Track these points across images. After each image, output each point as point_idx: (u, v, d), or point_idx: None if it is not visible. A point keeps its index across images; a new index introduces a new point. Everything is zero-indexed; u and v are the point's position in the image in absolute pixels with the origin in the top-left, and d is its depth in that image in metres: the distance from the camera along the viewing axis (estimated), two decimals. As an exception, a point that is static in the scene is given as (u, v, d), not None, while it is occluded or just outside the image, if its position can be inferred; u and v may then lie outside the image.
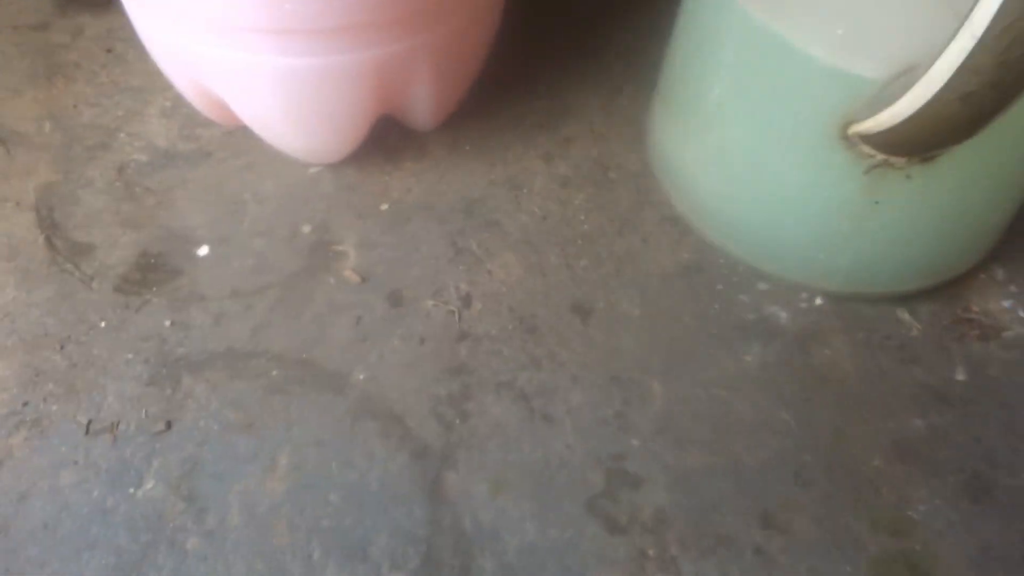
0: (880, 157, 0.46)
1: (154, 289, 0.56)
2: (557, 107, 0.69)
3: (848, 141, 0.46)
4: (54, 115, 0.66)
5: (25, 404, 0.51)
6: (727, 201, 0.56)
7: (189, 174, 0.63)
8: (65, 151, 0.64)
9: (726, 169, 0.54)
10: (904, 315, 0.57)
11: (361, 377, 0.53)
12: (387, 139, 0.65)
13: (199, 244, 0.59)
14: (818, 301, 0.57)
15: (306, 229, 0.60)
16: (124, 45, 0.71)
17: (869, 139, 0.45)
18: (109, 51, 0.71)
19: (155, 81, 0.68)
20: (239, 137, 0.64)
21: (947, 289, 0.57)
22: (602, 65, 0.72)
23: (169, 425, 0.50)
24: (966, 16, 0.35)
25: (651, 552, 0.46)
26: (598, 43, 0.74)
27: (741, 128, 0.51)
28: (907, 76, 0.42)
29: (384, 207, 0.61)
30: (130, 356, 0.53)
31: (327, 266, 0.58)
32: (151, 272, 0.57)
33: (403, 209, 0.61)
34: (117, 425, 0.50)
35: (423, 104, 0.59)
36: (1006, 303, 0.57)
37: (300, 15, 0.48)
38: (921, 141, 0.43)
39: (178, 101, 0.67)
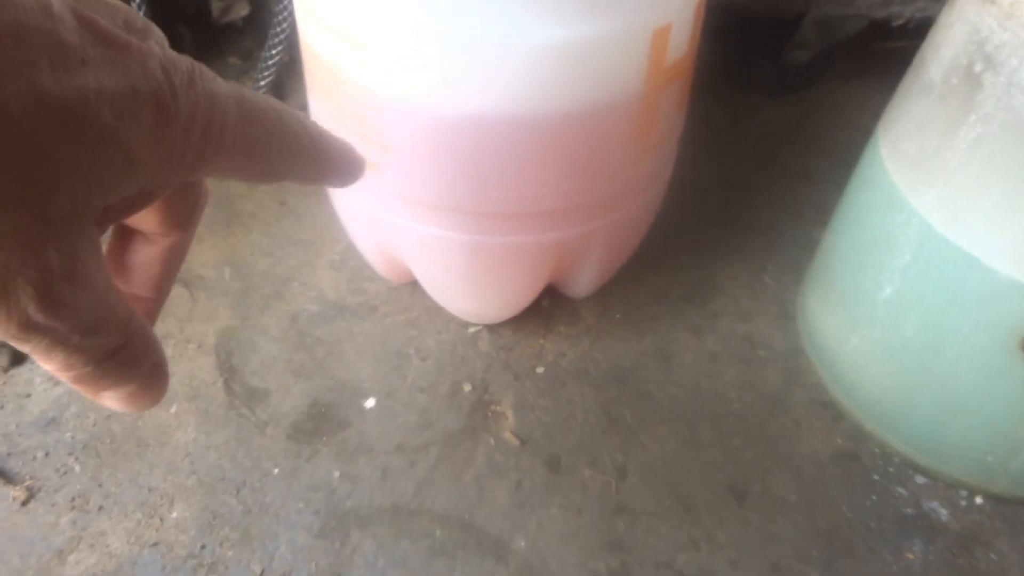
0: (1062, 371, 0.47)
1: (324, 439, 0.59)
2: (702, 281, 0.71)
3: (1029, 352, 0.47)
4: (232, 263, 0.71)
5: (203, 547, 0.53)
6: (890, 394, 0.56)
7: (356, 327, 0.66)
8: (243, 298, 0.68)
9: (892, 365, 0.55)
10: (1071, 522, 0.56)
11: (522, 544, 0.54)
12: (541, 303, 0.68)
13: (366, 396, 0.62)
14: (979, 500, 0.57)
15: (467, 388, 0.62)
16: (295, 199, 0.77)
17: (1054, 354, 0.46)
18: (282, 204, 0.76)
19: (324, 234, 0.73)
20: (403, 293, 0.68)
21: (1113, 497, 0.56)
22: (743, 242, 0.75)
23: (338, 580, 0.51)
24: None
25: None
26: (738, 220, 0.77)
27: (912, 329, 0.53)
28: (1097, 299, 0.43)
29: (540, 370, 0.64)
30: (301, 506, 0.55)
31: (486, 426, 0.60)
32: (321, 422, 0.60)
33: (558, 373, 0.64)
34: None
35: (586, 276, 0.63)
36: None
37: (502, 200, 0.52)
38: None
39: (346, 255, 0.72)
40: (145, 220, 0.28)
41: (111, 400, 0.25)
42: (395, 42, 0.46)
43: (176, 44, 0.28)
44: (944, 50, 0.48)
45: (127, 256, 0.29)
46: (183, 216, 0.28)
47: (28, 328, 0.20)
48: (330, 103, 0.53)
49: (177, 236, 0.29)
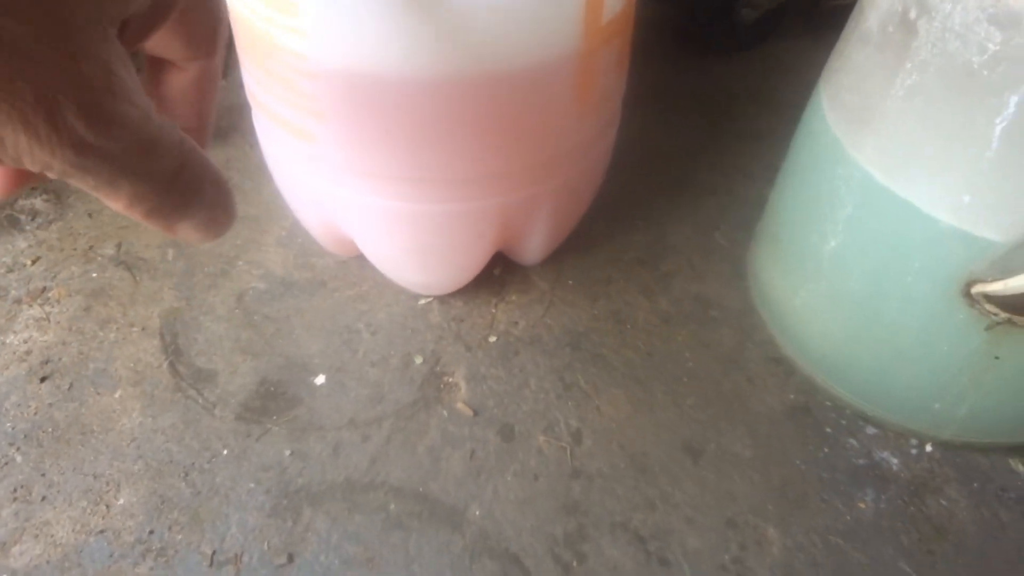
0: (1004, 316, 0.47)
1: (274, 417, 0.58)
2: (655, 243, 0.71)
3: (970, 299, 0.48)
4: (176, 243, 0.69)
5: (151, 532, 0.52)
6: (838, 347, 0.57)
7: (305, 303, 0.65)
8: (187, 278, 0.67)
9: (838, 317, 0.55)
10: (1019, 466, 0.56)
11: (477, 513, 0.53)
12: (493, 272, 0.67)
13: (316, 373, 0.61)
14: (928, 448, 0.57)
15: (418, 360, 0.62)
16: (241, 176, 0.75)
17: (994, 300, 0.46)
18: (229, 181, 0.75)
19: (272, 211, 0.72)
20: (352, 267, 0.67)
21: (1059, 438, 0.57)
22: (696, 203, 0.75)
23: (291, 558, 0.51)
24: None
25: None
26: (690, 181, 0.77)
27: (857, 280, 0.53)
28: (1035, 242, 0.44)
29: (492, 339, 0.63)
30: (252, 486, 0.54)
31: (439, 398, 0.59)
32: (271, 400, 0.59)
33: (510, 342, 0.63)
34: (240, 557, 0.51)
35: (535, 242, 0.62)
36: (1122, 455, 0.57)
37: (441, 165, 0.51)
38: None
39: (293, 231, 0.70)
40: (169, 46, 0.28)
41: (188, 231, 0.25)
42: (324, 5, 0.45)
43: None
44: (880, -2, 0.48)
45: (162, 88, 0.30)
46: (205, 37, 0.29)
47: (83, 150, 0.20)
48: (261, 70, 0.51)
49: (205, 61, 0.29)
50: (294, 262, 0.68)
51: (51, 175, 0.21)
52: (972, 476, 0.56)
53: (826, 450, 0.57)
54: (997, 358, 0.50)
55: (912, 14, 0.45)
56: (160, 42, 0.28)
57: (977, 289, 0.47)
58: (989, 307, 0.47)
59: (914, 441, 0.57)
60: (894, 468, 0.56)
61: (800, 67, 0.90)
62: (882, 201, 0.49)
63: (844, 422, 0.59)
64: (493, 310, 0.65)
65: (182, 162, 0.24)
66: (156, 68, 0.29)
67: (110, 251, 0.69)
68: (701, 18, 0.90)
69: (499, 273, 0.67)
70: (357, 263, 0.67)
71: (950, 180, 0.46)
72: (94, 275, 0.67)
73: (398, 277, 0.63)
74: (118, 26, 0.21)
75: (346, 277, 0.67)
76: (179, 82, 0.30)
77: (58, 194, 0.74)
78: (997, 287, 0.45)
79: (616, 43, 0.53)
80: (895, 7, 0.46)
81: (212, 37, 0.29)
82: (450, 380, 0.61)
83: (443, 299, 0.66)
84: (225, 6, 0.30)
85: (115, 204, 0.23)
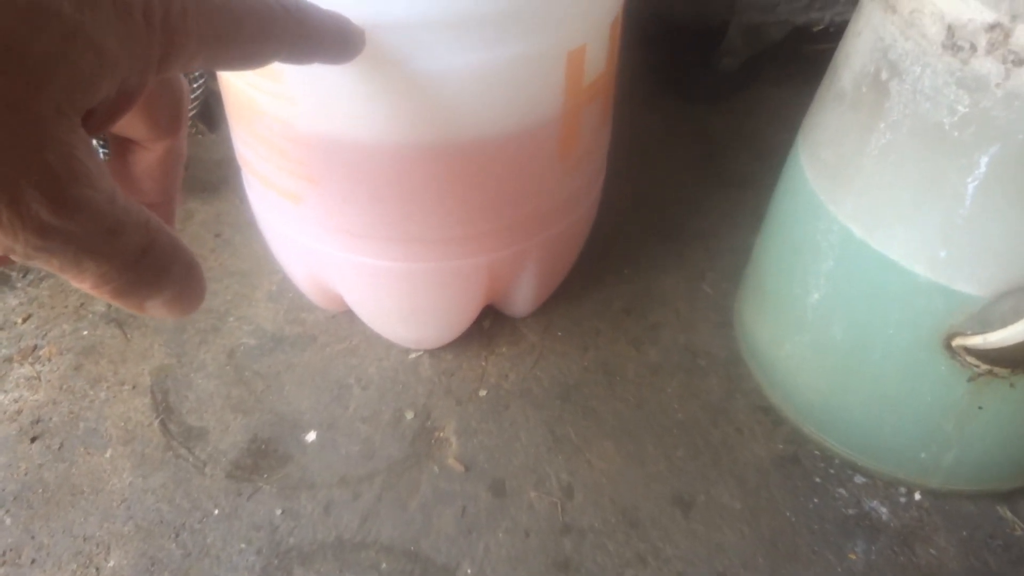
0: (985, 367, 0.48)
1: (265, 475, 0.58)
2: (642, 292, 0.72)
3: (952, 352, 0.48)
4: (168, 298, 0.70)
5: (141, 596, 0.52)
6: (824, 397, 0.57)
7: (296, 358, 0.66)
8: (178, 335, 0.67)
9: (824, 368, 0.56)
10: (1006, 512, 0.57)
11: (469, 572, 0.53)
12: (482, 324, 0.68)
13: (307, 429, 0.61)
14: (917, 496, 0.57)
15: (409, 415, 0.62)
16: (231, 230, 0.76)
17: (975, 352, 0.47)
18: (218, 236, 0.75)
19: (262, 265, 0.72)
20: (342, 321, 0.68)
21: (1046, 485, 0.57)
22: (682, 251, 0.76)
23: (282, 620, 0.51)
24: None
25: None
26: (676, 229, 0.78)
27: (840, 333, 0.53)
28: (1013, 295, 0.44)
29: (482, 393, 0.64)
30: (243, 546, 0.54)
31: (430, 453, 0.60)
32: (262, 458, 0.59)
33: (501, 395, 0.63)
34: (231, 620, 0.51)
35: (524, 295, 0.63)
36: (1109, 500, 0.57)
37: (429, 226, 0.52)
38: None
39: (283, 285, 0.71)
40: (134, 127, 0.29)
41: (158, 308, 0.25)
42: (309, 75, 0.46)
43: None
44: (853, 59, 0.49)
45: (128, 168, 0.30)
46: (169, 117, 0.29)
47: (46, 233, 0.20)
48: (250, 134, 0.52)
49: (169, 139, 0.30)
50: (284, 317, 0.69)
51: (15, 258, 0.21)
52: (961, 524, 0.56)
53: (816, 500, 0.57)
54: (980, 408, 0.50)
55: (884, 75, 0.46)
56: (125, 124, 0.28)
57: (957, 342, 0.48)
58: (970, 359, 0.48)
59: (903, 490, 0.58)
60: (883, 517, 0.57)
61: (782, 113, 0.92)
62: (862, 256, 0.50)
63: (833, 471, 0.59)
64: (483, 363, 0.66)
65: (149, 241, 0.24)
66: (121, 148, 0.30)
67: (101, 308, 0.69)
68: (684, 66, 0.92)
69: (489, 325, 0.68)
70: (347, 317, 0.67)
71: (927, 235, 0.47)
72: (85, 332, 0.67)
73: (388, 332, 0.64)
74: (83, 114, 0.22)
75: (336, 331, 0.67)
76: (144, 161, 0.30)
77: (50, 252, 0.74)
78: (976, 341, 0.46)
79: (598, 102, 0.54)
80: (867, 68, 0.48)
81: (175, 118, 0.30)
82: (441, 435, 0.61)
83: (433, 353, 0.66)
84: (186, 85, 0.30)
85: (81, 284, 0.23)
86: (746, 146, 0.88)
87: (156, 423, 0.61)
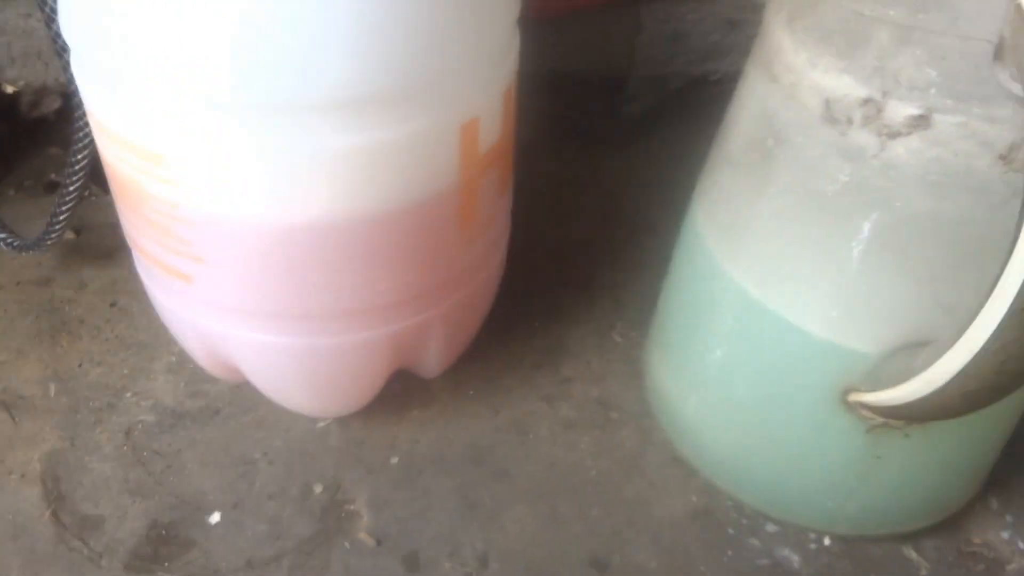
0: (880, 420, 0.49)
1: (166, 564, 0.55)
2: (553, 345, 0.72)
3: (848, 405, 0.49)
4: (60, 376, 0.67)
5: None
6: (732, 451, 0.58)
7: (198, 434, 0.63)
8: (72, 415, 0.64)
9: (730, 423, 0.57)
10: (911, 553, 0.58)
11: (383, 654, 0.52)
12: (391, 387, 0.66)
13: (211, 511, 0.58)
14: (827, 542, 0.58)
15: (318, 488, 0.60)
16: (128, 298, 0.73)
17: (869, 407, 0.48)
18: (113, 305, 0.72)
19: (160, 336, 0.70)
20: (245, 391, 0.65)
21: (947, 522, 0.59)
22: (592, 300, 0.76)
23: None
24: (961, 331, 0.38)
25: None
26: (585, 279, 0.78)
27: (743, 389, 0.54)
28: (903, 352, 0.46)
29: (394, 460, 0.62)
30: (142, 644, 0.51)
31: (341, 528, 0.58)
32: (162, 545, 0.56)
33: (413, 461, 0.62)
34: None
35: (433, 359, 0.62)
36: (1004, 534, 0.59)
37: (326, 302, 0.51)
38: (920, 417, 0.46)
39: (184, 356, 0.68)
40: None
41: None
42: (194, 156, 0.44)
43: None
44: (742, 124, 0.50)
45: None
46: None
47: None
48: (135, 216, 0.50)
49: None
50: (185, 390, 0.66)
51: None
52: (869, 567, 0.57)
53: (729, 553, 0.58)
54: (878, 457, 0.52)
55: (770, 143, 0.47)
56: None
57: (853, 397, 0.49)
58: (865, 413, 0.49)
59: (813, 535, 0.59)
60: (795, 566, 0.57)
61: (684, 158, 0.93)
62: (758, 315, 0.51)
63: (745, 521, 0.59)
64: (394, 428, 0.64)
65: None
66: None
67: (-14, 390, 0.65)
68: (586, 115, 0.92)
69: (399, 389, 0.67)
70: (251, 387, 0.65)
71: (818, 296, 0.48)
72: (-32, 419, 0.63)
73: (292, 405, 0.62)
74: None
75: (240, 403, 0.65)
76: None
77: (-71, 330, 0.70)
78: (870, 399, 0.47)
79: (496, 168, 0.54)
80: (755, 134, 0.49)
81: None
82: (351, 508, 0.59)
83: (342, 421, 0.64)
84: None
85: None
86: (650, 192, 0.89)
87: (47, 514, 0.58)
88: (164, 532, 0.57)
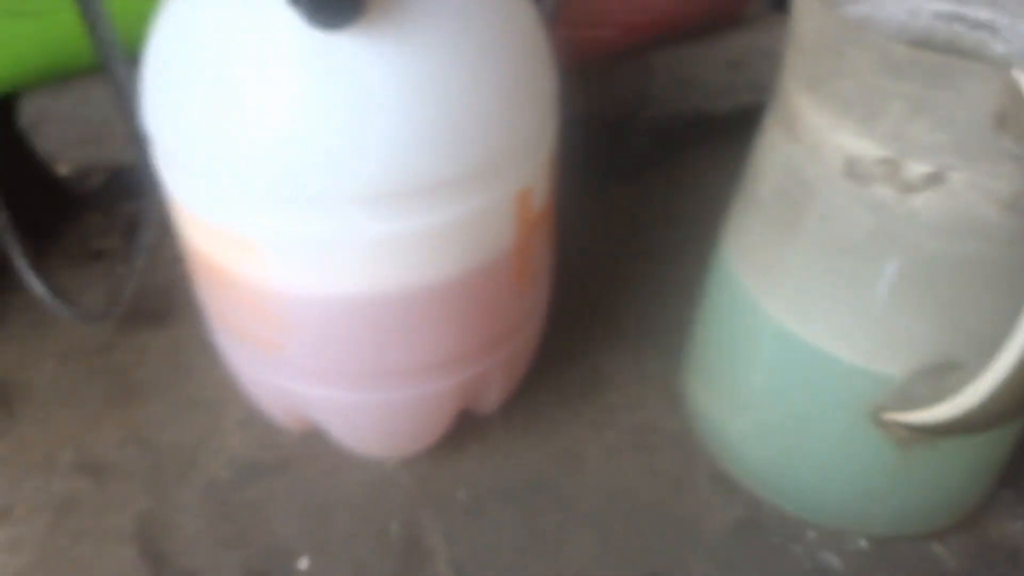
0: (908, 434, 0.55)
1: (264, 610, 0.60)
2: (591, 375, 0.77)
3: (879, 423, 0.55)
4: (137, 439, 0.71)
5: None
6: (774, 466, 0.63)
7: (275, 484, 0.68)
8: (154, 475, 0.68)
9: (771, 442, 0.62)
10: (939, 549, 0.64)
11: (475, 677, 0.57)
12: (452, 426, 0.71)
13: (298, 556, 0.63)
14: (863, 544, 0.64)
15: (394, 527, 0.65)
16: (189, 358, 0.78)
17: (900, 425, 0.54)
18: (178, 366, 0.77)
19: (226, 392, 0.74)
20: (313, 442, 0.70)
21: (969, 518, 0.65)
22: (621, 329, 0.81)
23: None
24: (988, 356, 0.44)
25: None
26: (611, 307, 0.83)
27: (783, 412, 0.60)
28: (929, 374, 0.51)
29: (460, 495, 0.67)
30: None
31: (421, 564, 0.63)
32: (258, 592, 0.61)
33: (478, 494, 0.67)
34: None
35: (492, 397, 0.67)
36: (1019, 524, 0.65)
37: (402, 361, 0.56)
38: (949, 433, 0.52)
39: (252, 411, 0.72)
40: None
41: None
42: (286, 244, 0.49)
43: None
44: (769, 175, 0.56)
45: None
46: None
47: None
48: (223, 295, 0.55)
49: None
50: (257, 443, 0.71)
51: None
52: (900, 563, 0.63)
53: (776, 559, 0.63)
54: (908, 466, 0.57)
55: (796, 194, 0.53)
56: None
57: (885, 416, 0.54)
58: (895, 429, 0.55)
59: (850, 539, 0.64)
60: (836, 567, 0.63)
61: (695, 184, 0.99)
62: (794, 345, 0.56)
63: (788, 530, 0.65)
64: (456, 464, 0.69)
65: None
66: None
67: (69, 457, 0.69)
68: (598, 146, 0.98)
69: (455, 425, 0.72)
70: (318, 438, 0.70)
71: (849, 327, 0.53)
72: (56, 487, 0.67)
73: (365, 450, 0.67)
74: None
75: (311, 452, 0.70)
76: None
77: (7, 405, 0.74)
78: (902, 418, 0.53)
79: (545, 223, 0.59)
80: (782, 185, 0.54)
81: None
82: (428, 544, 0.64)
83: (407, 461, 0.69)
84: None
85: None
86: (664, 220, 0.95)
87: (148, 573, 0.62)
88: (258, 579, 0.62)
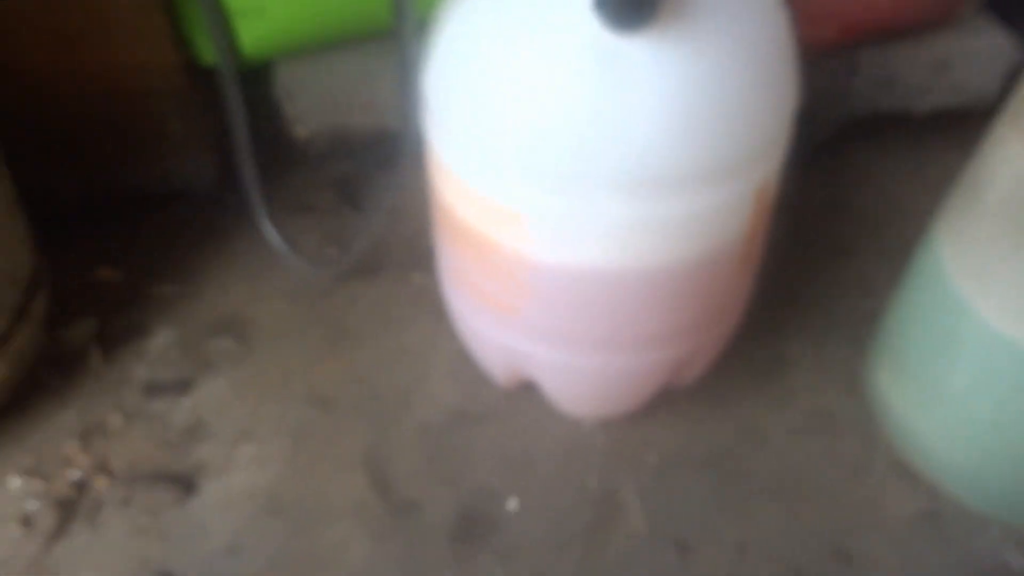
0: (1119, 444, 0.57)
1: (478, 542, 0.67)
2: (774, 357, 0.80)
3: (1089, 430, 0.57)
4: (356, 378, 0.79)
5: (398, 654, 0.61)
6: (965, 461, 0.66)
7: (482, 433, 0.74)
8: (375, 413, 0.76)
9: (968, 439, 0.65)
10: (1125, 557, 0.66)
11: (670, 623, 0.62)
12: (640, 394, 0.76)
13: (507, 498, 0.70)
14: (1046, 544, 0.66)
15: (591, 482, 0.71)
16: (399, 310, 0.85)
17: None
18: (388, 316, 0.84)
19: (434, 344, 0.81)
20: (518, 398, 0.76)
21: None
22: (802, 317, 0.84)
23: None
24: None
25: None
26: (793, 295, 0.86)
27: (986, 411, 0.62)
28: None
29: (650, 458, 0.73)
30: (474, 607, 0.63)
31: (615, 516, 0.69)
32: (473, 525, 0.68)
33: (667, 459, 0.72)
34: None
35: (693, 371, 0.72)
36: None
37: (629, 332, 0.61)
38: None
39: (459, 364, 0.79)
40: None
41: None
42: (550, 218, 0.55)
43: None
44: (998, 183, 0.58)
45: None
46: None
47: None
48: (476, 259, 0.61)
49: None
50: (464, 393, 0.78)
51: None
52: (1086, 567, 0.65)
53: (957, 553, 0.66)
54: (1109, 473, 0.59)
55: (1031, 205, 0.55)
56: None
57: (1096, 424, 0.56)
58: (1106, 437, 0.57)
59: (1031, 538, 0.67)
60: (1018, 567, 0.65)
61: (870, 176, 1.01)
62: (1005, 347, 0.58)
63: (971, 525, 0.68)
64: (647, 430, 0.75)
65: None
66: None
67: (300, 389, 0.78)
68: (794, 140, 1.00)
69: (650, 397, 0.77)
70: (523, 393, 0.76)
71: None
72: (292, 414, 0.76)
73: (573, 409, 0.73)
74: None
75: (514, 407, 0.76)
76: None
77: (243, 336, 0.83)
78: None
79: (769, 215, 0.63)
80: (1012, 191, 0.56)
81: None
82: (622, 499, 0.70)
83: (606, 424, 0.75)
84: None
85: None
86: (840, 211, 0.96)
87: (376, 497, 0.70)
88: (473, 514, 0.69)
